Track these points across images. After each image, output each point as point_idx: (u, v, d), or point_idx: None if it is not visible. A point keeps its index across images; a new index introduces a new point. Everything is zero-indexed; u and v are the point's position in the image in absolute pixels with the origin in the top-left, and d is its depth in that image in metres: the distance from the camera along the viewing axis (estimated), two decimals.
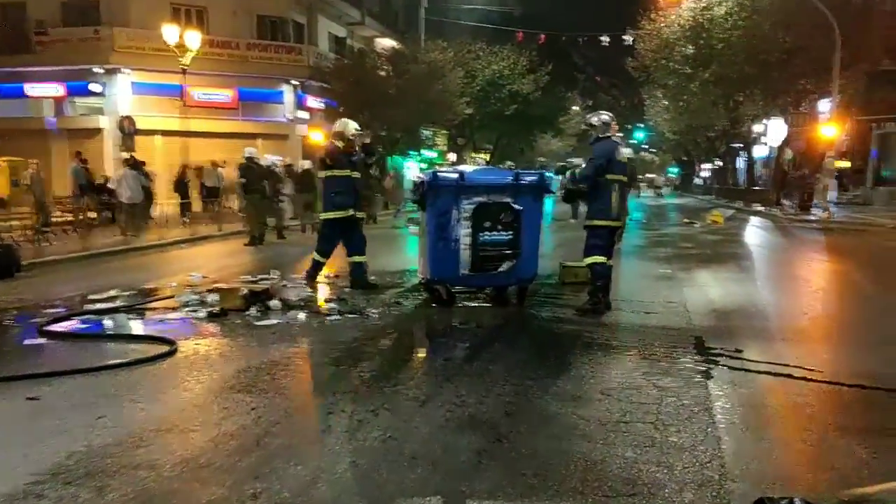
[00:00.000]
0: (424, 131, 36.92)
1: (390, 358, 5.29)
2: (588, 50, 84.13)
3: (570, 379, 4.75)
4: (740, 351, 5.58)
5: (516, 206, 7.01)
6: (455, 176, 7.12)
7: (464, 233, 6.95)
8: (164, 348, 5.51)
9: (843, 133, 25.72)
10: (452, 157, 44.92)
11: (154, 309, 7.34)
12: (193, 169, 23.13)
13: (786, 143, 35.09)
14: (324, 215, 8.44)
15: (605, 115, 7.18)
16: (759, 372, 5.00)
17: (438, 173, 7.35)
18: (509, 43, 39.88)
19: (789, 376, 4.87)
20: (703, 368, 5.05)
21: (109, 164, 26.17)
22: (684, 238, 15.67)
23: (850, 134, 29.60)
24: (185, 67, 22.93)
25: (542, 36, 41.13)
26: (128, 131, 20.93)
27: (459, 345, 5.75)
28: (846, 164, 30.55)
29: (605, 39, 38.63)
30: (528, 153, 48.47)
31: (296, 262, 11.62)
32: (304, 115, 31.25)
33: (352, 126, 8.36)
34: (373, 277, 8.76)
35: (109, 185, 19.14)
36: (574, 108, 55.74)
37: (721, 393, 4.49)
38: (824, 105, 28.57)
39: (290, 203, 18.80)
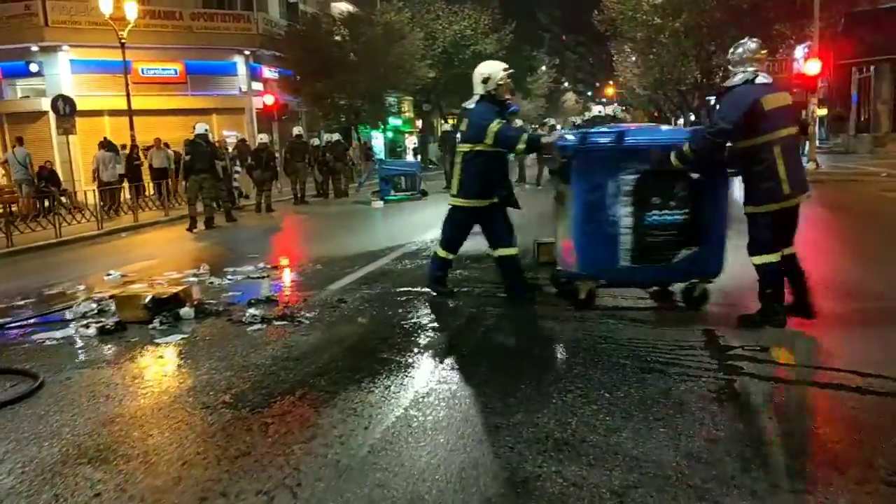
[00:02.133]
0: (389, 98, 35.34)
1: (310, 393, 3.93)
2: (552, 7, 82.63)
3: (550, 411, 3.51)
4: (766, 349, 4.39)
5: (694, 176, 5.25)
6: (611, 137, 5.32)
7: (624, 212, 5.25)
8: (24, 388, 4.21)
9: (821, 78, 24.61)
10: (419, 123, 43.42)
11: (40, 324, 5.98)
12: (143, 149, 21.55)
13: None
14: (459, 202, 6.02)
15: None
16: (800, 382, 3.82)
17: (589, 134, 5.47)
18: (469, 1, 38.22)
19: (841, 387, 3.68)
20: (723, 381, 3.86)
21: (55, 148, 24.49)
22: None
23: (829, 79, 28.54)
24: (125, 41, 21.27)
25: None
26: (63, 112, 19.13)
27: (406, 363, 4.45)
28: (823, 111, 29.54)
29: None
30: None
31: (238, 250, 10.27)
32: (258, 86, 29.57)
33: (501, 69, 5.90)
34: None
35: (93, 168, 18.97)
36: (542, 68, 54.30)
37: (757, 426, 3.30)
38: (800, 51, 27.49)
39: (243, 181, 17.40)
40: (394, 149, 38.02)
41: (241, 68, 29.28)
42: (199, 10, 27.95)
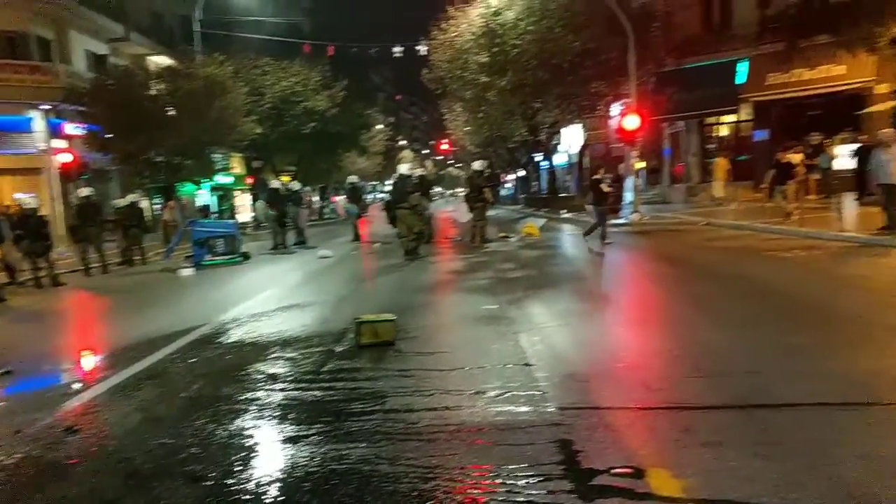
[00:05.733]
0: (214, 155, 33.03)
1: None
2: (385, 68, 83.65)
3: None
4: (641, 473, 3.33)
5: None
6: None
7: None
8: None
9: (638, 133, 25.75)
10: (250, 180, 41.22)
11: None
12: None
13: (585, 147, 35.39)
14: None
15: None
16: None
17: None
18: (298, 58, 37.22)
19: None
20: None
21: None
22: (504, 257, 13.69)
23: (643, 134, 30.01)
24: None
25: (331, 48, 38.73)
26: None
27: None
28: (642, 164, 31.01)
29: (397, 51, 36.93)
30: (336, 173, 45.88)
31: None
32: (60, 143, 26.41)
33: None
34: None
35: None
36: (377, 126, 53.94)
37: None
38: (615, 109, 28.74)
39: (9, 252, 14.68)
40: (205, 209, 34.21)
41: (39, 124, 26.26)
42: None
